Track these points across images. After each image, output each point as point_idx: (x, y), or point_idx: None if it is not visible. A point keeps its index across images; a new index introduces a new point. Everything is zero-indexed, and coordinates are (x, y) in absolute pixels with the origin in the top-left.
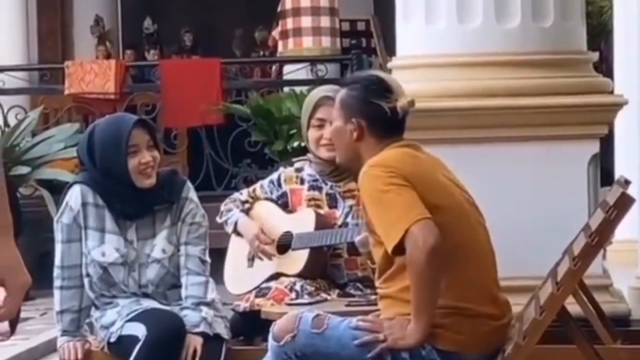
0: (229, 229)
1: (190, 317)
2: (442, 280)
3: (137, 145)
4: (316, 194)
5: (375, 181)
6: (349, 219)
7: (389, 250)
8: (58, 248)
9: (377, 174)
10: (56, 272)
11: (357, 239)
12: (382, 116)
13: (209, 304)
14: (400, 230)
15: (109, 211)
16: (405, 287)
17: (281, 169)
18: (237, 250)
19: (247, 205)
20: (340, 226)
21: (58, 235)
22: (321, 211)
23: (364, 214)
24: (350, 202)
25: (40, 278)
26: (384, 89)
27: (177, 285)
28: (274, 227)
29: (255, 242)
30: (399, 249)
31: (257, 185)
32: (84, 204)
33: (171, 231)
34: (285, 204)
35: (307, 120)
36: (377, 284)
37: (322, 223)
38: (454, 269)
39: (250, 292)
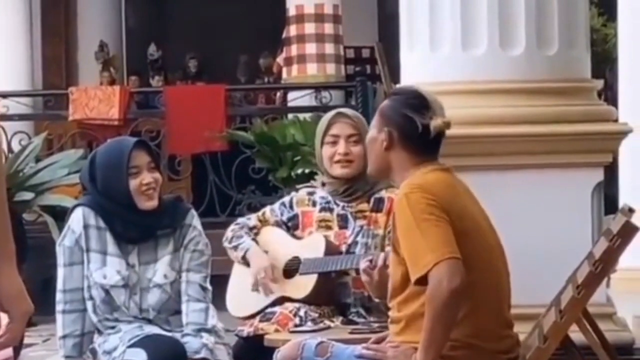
0: (238, 254)
1: (191, 343)
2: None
3: (138, 166)
4: (327, 215)
5: (415, 206)
6: (359, 238)
7: (412, 279)
8: (60, 271)
9: (419, 199)
10: (58, 296)
11: (361, 265)
12: (414, 131)
13: (209, 330)
14: (429, 264)
15: (111, 234)
16: (419, 313)
17: (293, 192)
18: (241, 274)
19: (254, 231)
20: (350, 245)
21: (60, 259)
22: (331, 232)
23: (393, 231)
24: (361, 222)
25: (44, 304)
26: (422, 105)
27: (180, 312)
28: (283, 252)
29: (262, 274)
30: (423, 279)
31: (267, 209)
32: (86, 227)
33: (174, 257)
34: (295, 226)
35: (322, 138)
36: (390, 304)
37: (332, 249)
38: (471, 304)
39: (254, 316)
